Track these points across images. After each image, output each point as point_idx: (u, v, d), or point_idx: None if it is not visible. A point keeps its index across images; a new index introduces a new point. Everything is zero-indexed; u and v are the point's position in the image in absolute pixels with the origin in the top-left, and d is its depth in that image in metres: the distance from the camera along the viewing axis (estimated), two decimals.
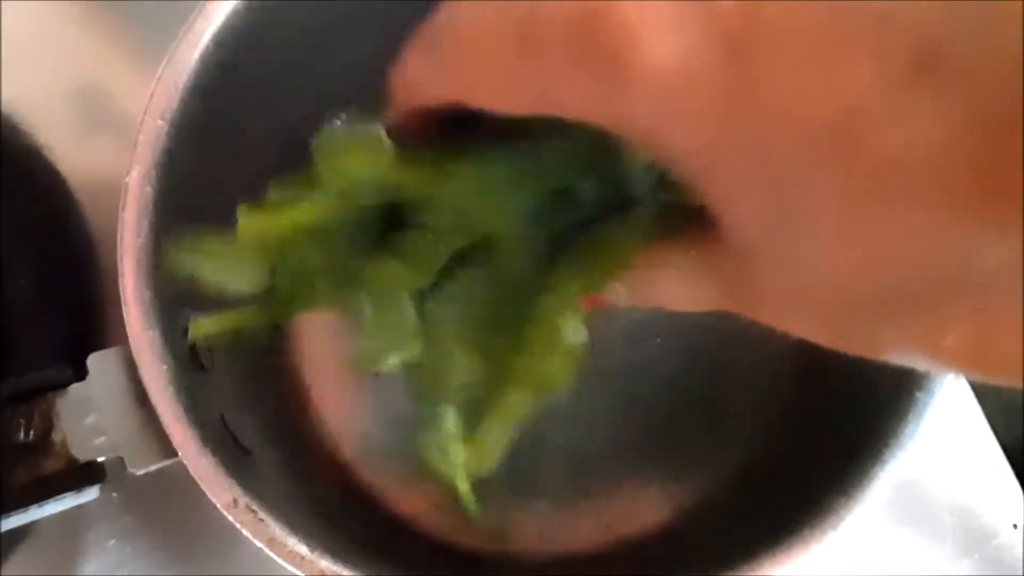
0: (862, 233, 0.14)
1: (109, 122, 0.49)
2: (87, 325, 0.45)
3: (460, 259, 0.24)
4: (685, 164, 0.17)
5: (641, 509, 0.44)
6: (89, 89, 0.50)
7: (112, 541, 0.45)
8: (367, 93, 0.48)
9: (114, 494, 0.44)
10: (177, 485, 0.33)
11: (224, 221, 0.40)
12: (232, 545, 0.45)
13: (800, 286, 0.17)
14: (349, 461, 0.44)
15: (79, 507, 0.34)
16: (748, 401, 0.44)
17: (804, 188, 0.15)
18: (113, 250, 0.33)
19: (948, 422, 0.48)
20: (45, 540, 0.44)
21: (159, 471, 0.33)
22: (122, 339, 0.33)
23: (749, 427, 0.44)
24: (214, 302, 0.39)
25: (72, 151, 0.48)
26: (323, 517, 0.36)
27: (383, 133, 0.23)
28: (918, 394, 0.33)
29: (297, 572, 0.31)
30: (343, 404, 0.45)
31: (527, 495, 0.44)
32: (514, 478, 0.44)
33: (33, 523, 0.36)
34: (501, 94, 0.18)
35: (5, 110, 0.48)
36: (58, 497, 0.32)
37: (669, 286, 0.21)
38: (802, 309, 0.17)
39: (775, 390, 0.44)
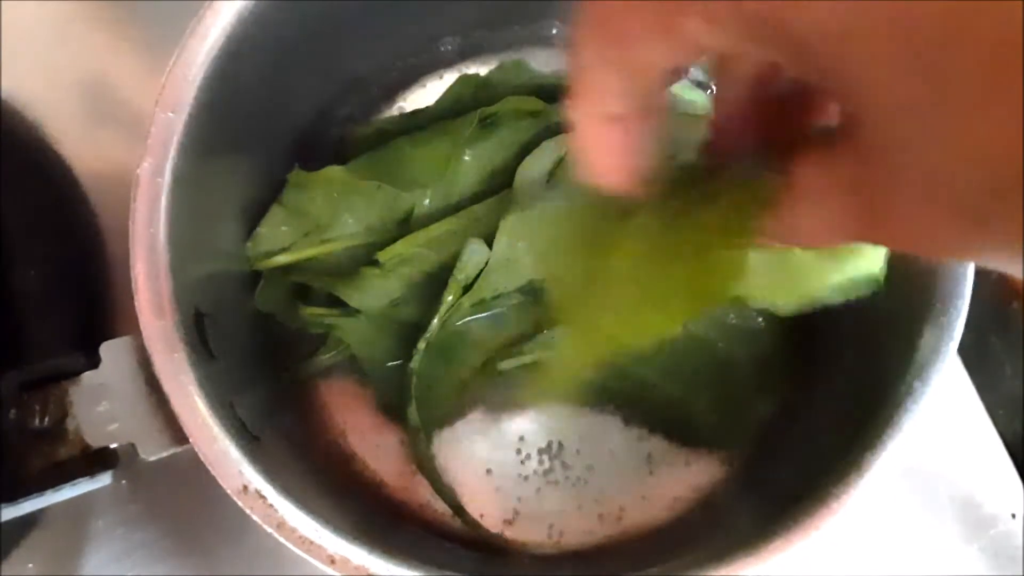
0: (1010, 102, 0.14)
1: (115, 114, 0.50)
2: (97, 314, 0.45)
3: None
4: (821, 50, 0.16)
5: (647, 500, 0.44)
6: (95, 81, 0.50)
7: (120, 529, 0.45)
8: (378, 83, 0.49)
9: (123, 482, 0.45)
10: (184, 473, 0.33)
11: (235, 211, 0.41)
12: (239, 533, 0.45)
13: (940, 171, 0.16)
14: (356, 450, 0.45)
15: (87, 495, 0.35)
16: (751, 393, 0.44)
17: (951, 56, 0.15)
18: (121, 239, 0.33)
19: (949, 414, 0.48)
20: (54, 528, 0.45)
21: (167, 459, 0.34)
22: (132, 327, 0.33)
23: (753, 418, 0.44)
24: (224, 293, 0.40)
25: (79, 142, 0.49)
26: (331, 503, 0.37)
27: None
28: (916, 383, 0.33)
29: (305, 556, 0.32)
30: (350, 392, 0.45)
31: (535, 485, 0.45)
32: (522, 469, 0.45)
33: (42, 511, 0.37)
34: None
35: (12, 102, 0.49)
36: (73, 482, 0.33)
37: (810, 218, 0.21)
38: (938, 203, 0.17)
39: (777, 381, 0.44)
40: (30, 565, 0.44)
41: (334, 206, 0.42)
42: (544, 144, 0.43)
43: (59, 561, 0.45)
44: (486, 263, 0.41)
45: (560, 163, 0.43)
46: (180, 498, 0.45)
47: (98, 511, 0.45)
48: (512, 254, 0.41)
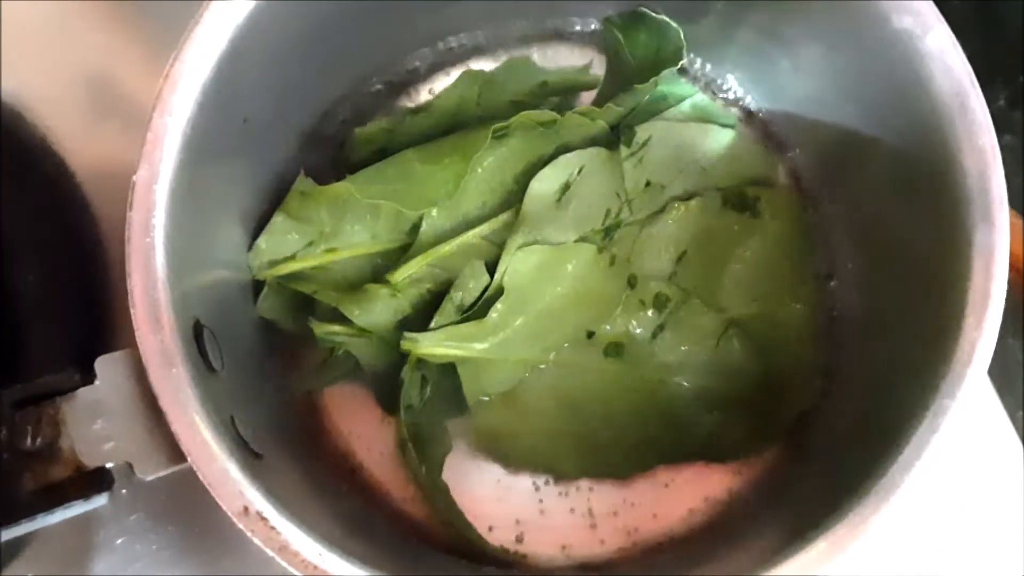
0: None
1: (117, 111, 0.49)
2: (96, 324, 0.44)
3: None
4: None
5: (659, 513, 0.44)
6: (97, 78, 0.49)
7: (121, 539, 0.44)
8: (382, 82, 0.48)
9: (124, 491, 0.44)
10: (187, 482, 0.32)
11: (236, 218, 0.40)
12: (241, 543, 0.43)
13: None
14: (363, 460, 0.44)
15: None
16: (768, 413, 0.44)
17: None
18: (122, 246, 0.32)
19: (968, 417, 0.47)
20: (54, 538, 0.44)
21: None
22: (131, 340, 0.32)
23: (777, 428, 0.44)
24: (224, 303, 0.39)
25: (79, 141, 0.48)
26: (335, 521, 0.36)
27: None
28: (946, 400, 0.33)
29: None
30: (356, 401, 0.44)
31: (545, 498, 0.44)
32: (532, 480, 0.44)
33: None
34: None
35: (11, 102, 0.48)
36: (66, 505, 0.31)
37: None
38: None
39: (802, 388, 0.44)
40: None
41: (339, 214, 0.40)
42: (559, 159, 0.42)
43: (59, 572, 0.44)
44: (485, 288, 0.41)
45: (573, 180, 0.42)
46: (183, 508, 0.44)
47: (99, 522, 0.44)
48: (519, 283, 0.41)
